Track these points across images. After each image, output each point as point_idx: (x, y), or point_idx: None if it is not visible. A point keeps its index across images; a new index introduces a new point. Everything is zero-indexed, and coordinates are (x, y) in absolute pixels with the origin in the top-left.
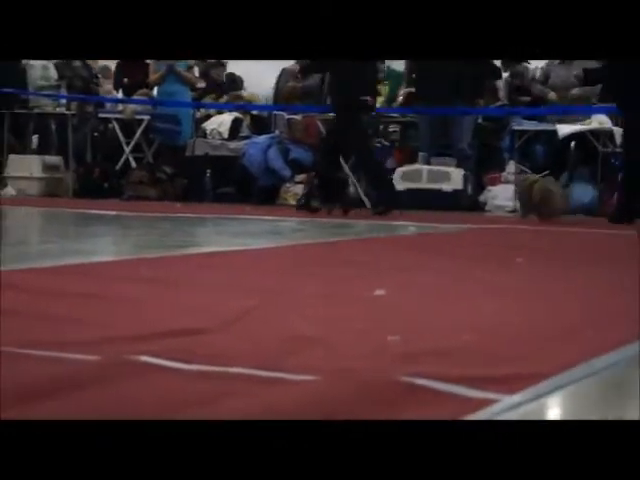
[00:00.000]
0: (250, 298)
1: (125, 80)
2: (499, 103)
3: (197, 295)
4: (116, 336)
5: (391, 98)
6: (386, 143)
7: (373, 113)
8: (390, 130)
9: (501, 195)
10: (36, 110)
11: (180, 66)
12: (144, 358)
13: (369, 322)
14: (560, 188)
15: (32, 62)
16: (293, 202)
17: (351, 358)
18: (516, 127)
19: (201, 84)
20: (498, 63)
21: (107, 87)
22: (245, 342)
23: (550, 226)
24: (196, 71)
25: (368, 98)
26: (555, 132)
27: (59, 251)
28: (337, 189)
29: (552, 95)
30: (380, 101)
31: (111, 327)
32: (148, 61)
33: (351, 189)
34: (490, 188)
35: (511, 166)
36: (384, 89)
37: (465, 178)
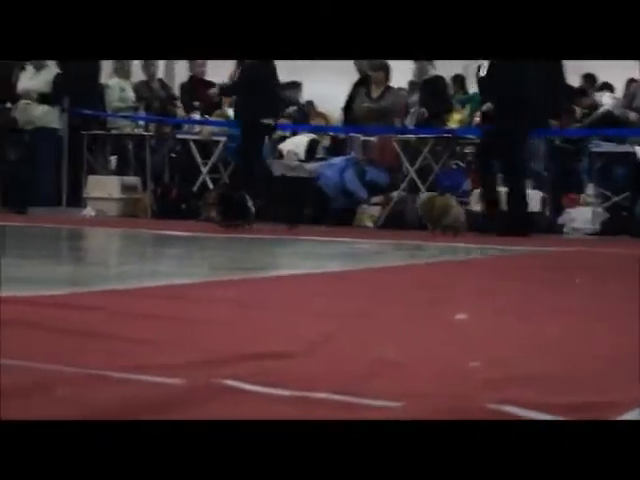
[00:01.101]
0: (331, 322)
1: (197, 103)
2: (577, 125)
3: (278, 318)
4: (200, 359)
5: (469, 121)
6: (462, 165)
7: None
8: (466, 152)
9: (580, 217)
10: (114, 131)
11: None
12: (229, 382)
13: (450, 347)
14: (458, 204)
15: (110, 83)
16: (369, 223)
17: (434, 383)
18: (594, 149)
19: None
20: (575, 83)
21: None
22: (327, 367)
23: (632, 249)
24: None
25: (271, 121)
26: (635, 154)
27: (139, 273)
28: (237, 206)
29: (633, 116)
30: (457, 122)
31: (194, 350)
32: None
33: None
34: (568, 210)
35: (590, 188)
36: (462, 112)
37: (543, 200)
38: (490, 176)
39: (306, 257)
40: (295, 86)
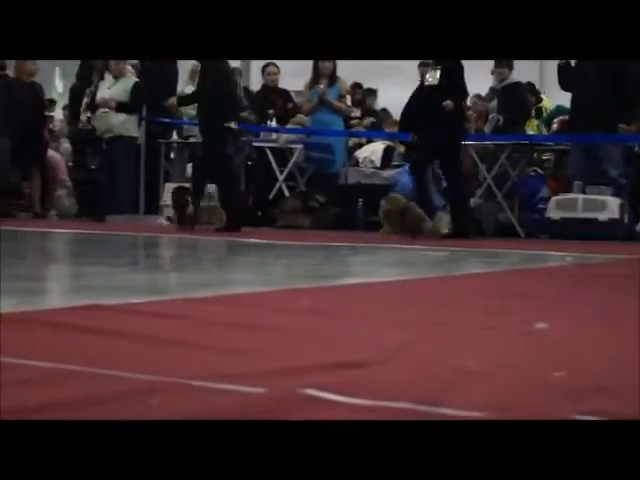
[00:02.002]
0: (409, 330)
1: (271, 111)
2: None
3: (356, 326)
4: (280, 368)
5: (548, 128)
6: (540, 172)
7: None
8: (544, 158)
9: None
10: (191, 139)
11: (332, 94)
12: (310, 391)
13: (532, 356)
14: (418, 208)
15: (186, 91)
16: (445, 231)
17: (517, 394)
18: None
19: (355, 112)
20: None
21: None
22: (408, 376)
23: None
24: (348, 99)
25: (232, 124)
26: None
27: (216, 281)
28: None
29: None
30: (535, 128)
31: (274, 359)
32: (299, 89)
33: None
34: None
35: None
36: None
37: (621, 207)
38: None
39: (381, 265)
40: (371, 93)
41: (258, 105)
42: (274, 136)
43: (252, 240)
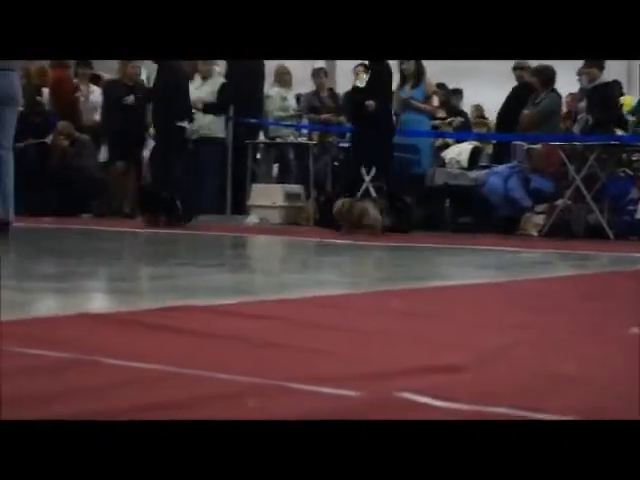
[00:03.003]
0: (502, 334)
1: None
2: None
3: (448, 329)
4: (375, 371)
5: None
6: (630, 173)
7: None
8: (634, 159)
9: None
10: (277, 140)
11: (417, 95)
12: (406, 395)
13: (627, 361)
14: (374, 207)
15: (271, 92)
16: (534, 232)
17: (615, 400)
18: None
19: (441, 113)
20: None
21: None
22: (505, 381)
23: None
24: (435, 100)
25: (185, 124)
26: None
27: (305, 282)
28: (163, 204)
29: None
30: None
31: (367, 362)
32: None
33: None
34: None
35: None
36: (633, 120)
37: None
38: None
39: (470, 266)
40: (456, 93)
41: (346, 106)
42: None
43: (339, 241)
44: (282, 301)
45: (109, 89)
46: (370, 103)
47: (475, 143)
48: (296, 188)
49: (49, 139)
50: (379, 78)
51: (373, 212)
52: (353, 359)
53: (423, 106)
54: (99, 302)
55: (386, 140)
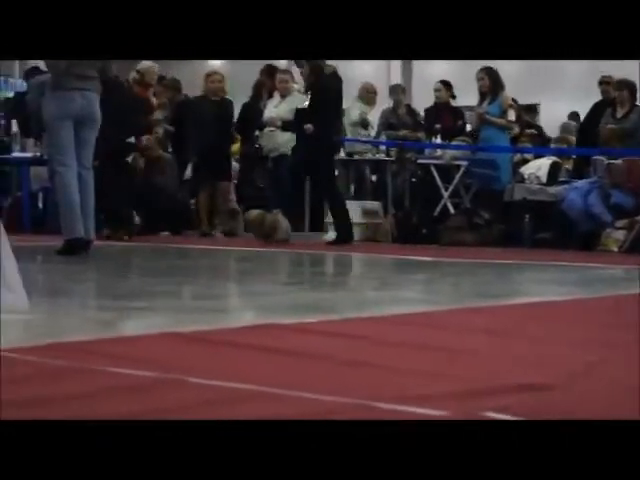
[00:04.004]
0: (590, 352)
1: (437, 126)
2: None
3: (533, 347)
4: (461, 390)
5: None
6: None
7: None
8: None
9: None
10: (355, 156)
11: (494, 110)
12: (492, 414)
13: None
14: (284, 219)
15: (351, 109)
16: (614, 248)
17: None
18: None
19: (515, 129)
20: None
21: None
22: (593, 400)
23: None
24: (512, 114)
25: (132, 139)
26: None
27: (385, 299)
28: (123, 219)
29: None
30: None
31: (453, 380)
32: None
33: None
34: None
35: None
36: None
37: None
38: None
39: (552, 283)
40: (532, 109)
41: (425, 122)
42: (439, 152)
43: (418, 258)
44: (364, 319)
45: (197, 106)
46: (308, 127)
47: (554, 158)
48: (374, 205)
49: (130, 157)
50: (316, 100)
51: (284, 225)
52: (438, 378)
53: (499, 121)
54: (183, 321)
55: (328, 158)
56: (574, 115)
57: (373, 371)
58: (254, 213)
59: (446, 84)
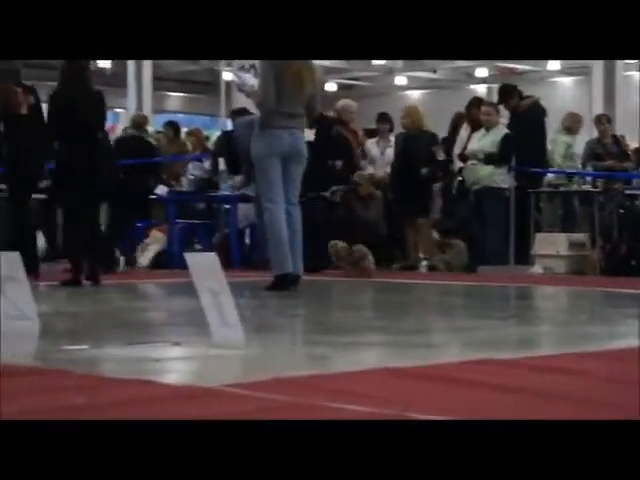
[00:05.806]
0: None
1: None
2: None
3: None
4: None
5: None
6: None
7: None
8: None
9: None
10: (561, 188)
11: None
12: None
13: None
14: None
15: (556, 139)
16: None
17: None
18: None
19: None
20: None
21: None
22: None
23: None
24: None
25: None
26: None
27: (599, 334)
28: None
29: None
30: None
31: None
32: None
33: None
34: None
35: None
36: None
37: None
38: None
39: None
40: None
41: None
42: None
43: (628, 290)
44: (581, 354)
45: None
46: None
47: None
48: (581, 237)
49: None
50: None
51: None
52: None
53: None
54: (398, 356)
55: None
56: None
57: (589, 408)
58: (338, 243)
59: None
